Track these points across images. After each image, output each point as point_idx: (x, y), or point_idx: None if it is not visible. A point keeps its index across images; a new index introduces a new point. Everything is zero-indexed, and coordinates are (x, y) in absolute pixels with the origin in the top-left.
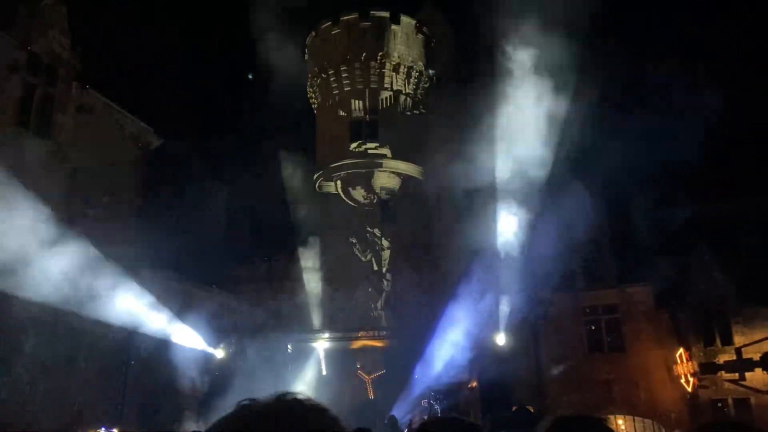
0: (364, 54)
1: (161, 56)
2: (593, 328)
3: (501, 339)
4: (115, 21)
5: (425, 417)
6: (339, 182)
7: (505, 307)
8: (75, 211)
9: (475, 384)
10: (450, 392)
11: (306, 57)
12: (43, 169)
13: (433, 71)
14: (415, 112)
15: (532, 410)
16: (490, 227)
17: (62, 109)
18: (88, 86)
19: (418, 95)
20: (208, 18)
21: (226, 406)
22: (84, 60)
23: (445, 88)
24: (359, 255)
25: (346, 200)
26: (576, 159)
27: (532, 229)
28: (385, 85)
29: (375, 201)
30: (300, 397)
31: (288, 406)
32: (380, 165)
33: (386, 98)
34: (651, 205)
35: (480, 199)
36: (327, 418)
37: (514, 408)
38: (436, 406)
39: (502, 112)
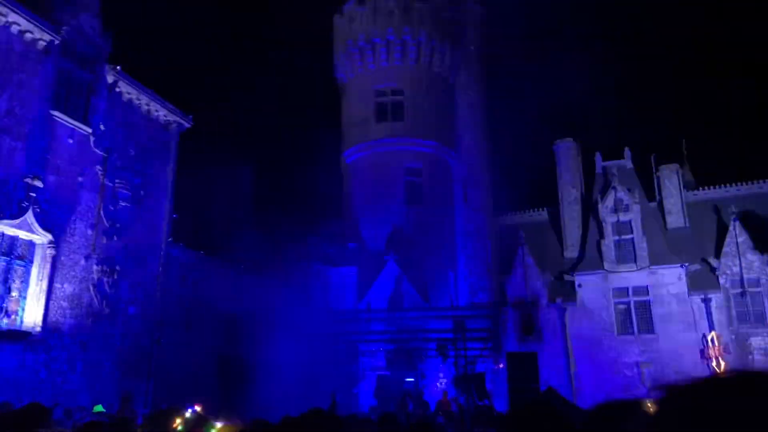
0: (390, 30)
1: (190, 40)
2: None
3: None
4: (145, 3)
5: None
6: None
7: None
8: (107, 192)
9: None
10: None
11: (332, 36)
12: (78, 151)
13: (458, 47)
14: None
15: None
16: None
17: (95, 92)
18: (119, 68)
19: (444, 71)
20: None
21: None
22: (115, 42)
23: (471, 66)
24: None
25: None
26: None
27: None
28: (410, 62)
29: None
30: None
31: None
32: (406, 143)
33: (412, 75)
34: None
35: None
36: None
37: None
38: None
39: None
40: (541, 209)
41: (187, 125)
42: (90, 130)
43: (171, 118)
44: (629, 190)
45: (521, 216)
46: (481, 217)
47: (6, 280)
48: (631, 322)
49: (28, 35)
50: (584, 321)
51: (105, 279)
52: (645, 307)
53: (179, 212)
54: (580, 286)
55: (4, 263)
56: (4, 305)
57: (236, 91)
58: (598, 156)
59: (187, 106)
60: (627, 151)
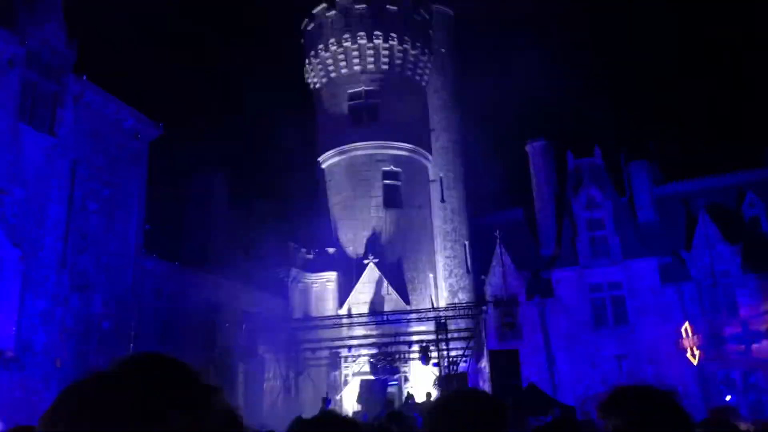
0: (361, 35)
1: (157, 46)
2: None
3: None
4: (109, 11)
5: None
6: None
7: None
8: (76, 204)
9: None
10: None
11: (303, 41)
12: (45, 163)
13: (429, 50)
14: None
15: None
16: None
17: (61, 103)
18: (85, 77)
19: (417, 74)
20: (202, 6)
21: None
22: (81, 52)
23: (443, 68)
24: None
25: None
26: None
27: None
28: (383, 66)
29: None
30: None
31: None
32: (382, 146)
33: (385, 78)
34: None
35: None
36: None
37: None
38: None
39: None
40: (516, 208)
41: (157, 133)
42: (57, 141)
43: (140, 126)
44: (600, 186)
45: (497, 215)
46: (458, 218)
47: None
48: (607, 316)
49: None
50: (562, 316)
51: (77, 294)
52: (620, 301)
53: (152, 222)
54: (557, 282)
55: None
56: None
57: (208, 98)
58: (569, 154)
59: (158, 113)
60: (597, 149)
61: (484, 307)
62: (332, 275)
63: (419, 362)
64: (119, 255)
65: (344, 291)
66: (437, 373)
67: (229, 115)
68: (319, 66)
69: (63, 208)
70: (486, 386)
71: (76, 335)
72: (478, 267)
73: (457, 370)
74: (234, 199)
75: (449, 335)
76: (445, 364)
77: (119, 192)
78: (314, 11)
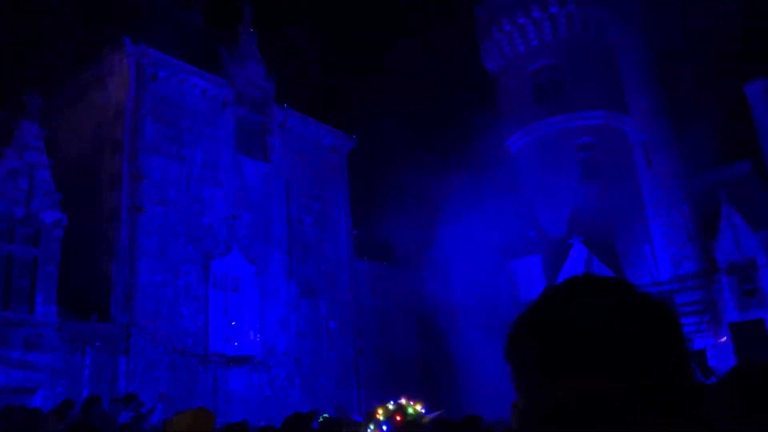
0: (534, 8)
1: (336, 59)
2: None
3: None
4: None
5: None
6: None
7: None
8: (294, 220)
9: None
10: None
11: (475, 28)
12: (264, 187)
13: (614, 8)
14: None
15: None
16: None
17: (269, 132)
18: (286, 105)
19: (602, 35)
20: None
21: None
22: (279, 82)
23: (632, 21)
24: None
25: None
26: None
27: None
28: (563, 35)
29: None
30: None
31: None
32: (572, 119)
33: (567, 47)
34: None
35: None
36: None
37: None
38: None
39: None
40: (741, 161)
41: (352, 145)
42: (271, 166)
43: (337, 141)
44: None
45: (719, 172)
46: (670, 182)
47: (226, 312)
48: None
49: (208, 93)
50: None
51: (305, 300)
52: None
53: (357, 228)
54: None
55: (222, 297)
56: (228, 334)
57: (391, 101)
58: None
59: (350, 126)
60: None
61: (716, 276)
62: (536, 259)
63: None
64: (335, 261)
65: (551, 274)
66: None
67: (415, 115)
68: (495, 49)
69: (284, 225)
70: (729, 363)
71: (309, 336)
72: (703, 233)
73: (693, 347)
74: (427, 195)
75: (678, 309)
76: None
77: (327, 204)
78: None
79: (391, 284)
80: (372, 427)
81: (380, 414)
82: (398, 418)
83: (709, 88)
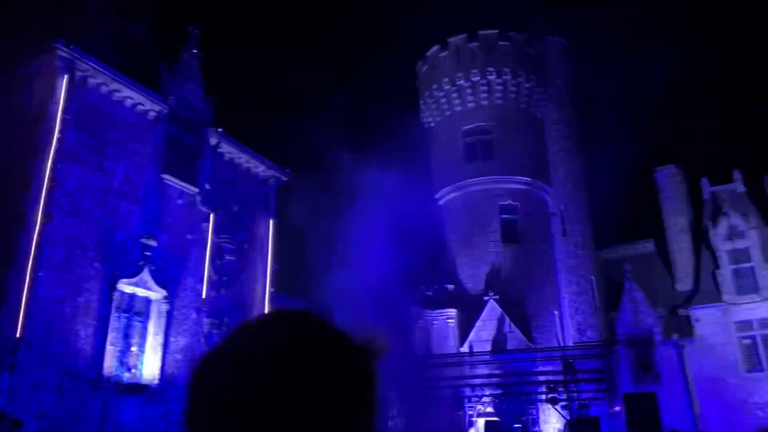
0: (474, 72)
1: (280, 98)
2: None
3: None
4: (238, 69)
5: None
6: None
7: None
8: (214, 248)
9: None
10: None
11: (417, 83)
12: (187, 211)
13: (545, 81)
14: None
15: None
16: None
17: (200, 155)
18: (221, 130)
19: (532, 106)
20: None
21: None
22: (219, 108)
23: (560, 98)
24: None
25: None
26: None
27: None
28: (497, 101)
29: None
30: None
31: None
32: (498, 181)
33: (499, 113)
34: None
35: None
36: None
37: None
38: None
39: None
40: (646, 240)
41: (284, 179)
42: (197, 190)
43: (269, 173)
44: (744, 214)
45: (625, 249)
46: (582, 252)
47: (126, 336)
48: (760, 359)
49: (139, 107)
50: (705, 358)
51: (214, 331)
52: None
53: (280, 263)
54: (697, 320)
55: (125, 320)
56: (126, 360)
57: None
58: (704, 181)
59: (283, 160)
60: (737, 173)
61: (616, 347)
62: (452, 312)
63: (547, 404)
64: (251, 294)
65: (465, 328)
66: (566, 416)
67: (348, 157)
68: (434, 105)
69: (202, 251)
70: None
71: None
72: (606, 304)
73: (588, 413)
74: (353, 240)
75: (578, 376)
76: (575, 406)
77: (251, 235)
78: (427, 54)
79: None
80: None
81: None
82: None
83: (624, 170)
